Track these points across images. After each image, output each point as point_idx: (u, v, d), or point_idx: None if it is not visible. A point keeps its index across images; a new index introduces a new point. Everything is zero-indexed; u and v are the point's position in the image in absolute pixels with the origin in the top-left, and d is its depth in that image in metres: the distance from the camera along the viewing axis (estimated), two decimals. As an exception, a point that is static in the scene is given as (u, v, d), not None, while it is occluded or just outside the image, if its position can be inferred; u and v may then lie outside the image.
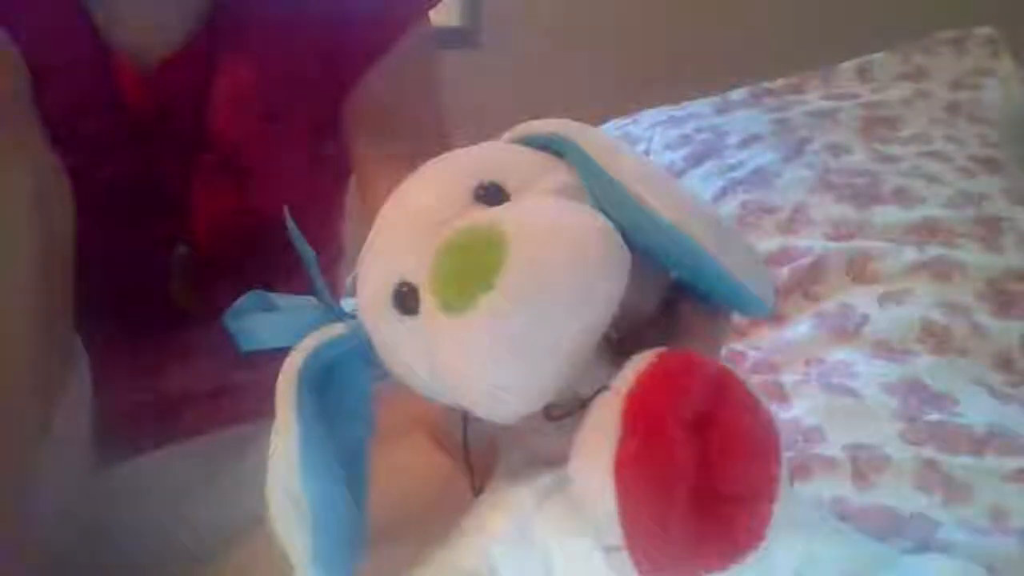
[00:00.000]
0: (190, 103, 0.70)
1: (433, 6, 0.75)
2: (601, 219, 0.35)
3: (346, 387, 0.40)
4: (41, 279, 0.56)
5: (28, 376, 0.55)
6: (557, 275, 0.33)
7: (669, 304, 0.40)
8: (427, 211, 0.37)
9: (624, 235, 0.35)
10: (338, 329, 0.40)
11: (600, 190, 0.37)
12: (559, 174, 0.38)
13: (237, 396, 0.74)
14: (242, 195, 0.72)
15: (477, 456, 0.40)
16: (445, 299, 0.34)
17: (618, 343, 0.37)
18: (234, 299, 0.41)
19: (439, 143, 0.75)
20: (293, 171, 0.74)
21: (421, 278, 0.35)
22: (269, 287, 0.42)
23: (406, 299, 0.37)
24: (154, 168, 0.70)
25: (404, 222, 0.38)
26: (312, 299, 0.43)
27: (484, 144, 0.41)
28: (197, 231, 0.72)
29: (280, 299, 0.43)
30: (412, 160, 0.75)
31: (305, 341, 0.40)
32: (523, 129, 0.41)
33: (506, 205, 0.36)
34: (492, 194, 0.37)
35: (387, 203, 0.40)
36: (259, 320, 0.42)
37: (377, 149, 0.72)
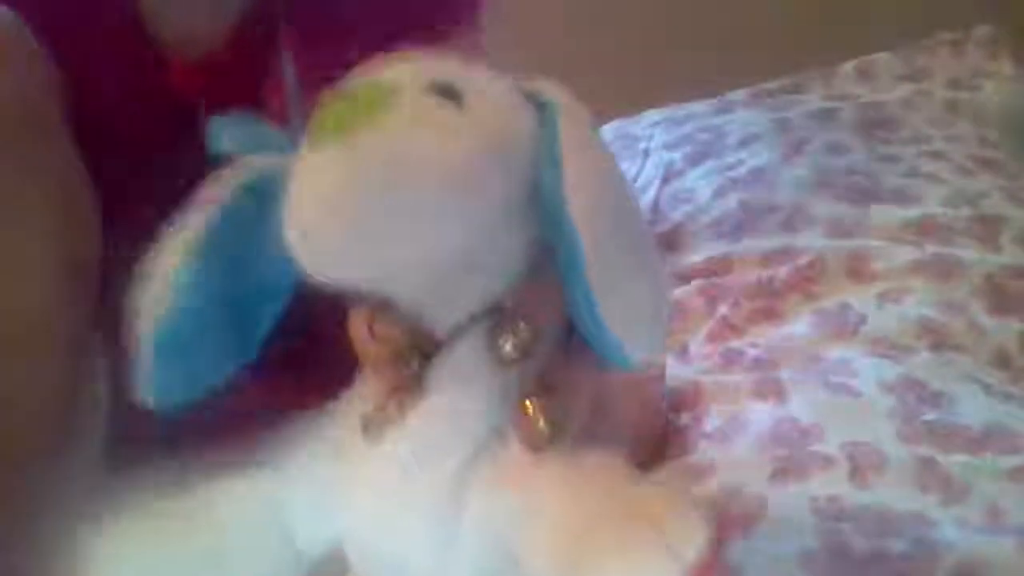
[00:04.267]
0: (237, 100, 0.70)
1: (481, 12, 0.75)
2: (514, 166, 0.35)
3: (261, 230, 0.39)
4: (65, 291, 0.56)
5: (49, 388, 0.56)
6: (420, 163, 0.33)
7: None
8: (383, 76, 0.37)
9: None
10: (278, 159, 0.40)
11: (546, 171, 0.36)
12: (521, 120, 0.37)
13: (245, 396, 0.74)
14: None
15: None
16: (316, 131, 0.35)
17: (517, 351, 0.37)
18: None
19: None
20: None
21: None
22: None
23: None
24: (201, 168, 0.71)
25: (355, 80, 0.38)
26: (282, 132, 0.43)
27: (483, 64, 0.40)
28: None
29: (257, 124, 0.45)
30: None
31: (255, 159, 0.42)
32: (527, 80, 0.40)
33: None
34: (446, 93, 0.36)
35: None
36: (232, 129, 0.44)
37: None
